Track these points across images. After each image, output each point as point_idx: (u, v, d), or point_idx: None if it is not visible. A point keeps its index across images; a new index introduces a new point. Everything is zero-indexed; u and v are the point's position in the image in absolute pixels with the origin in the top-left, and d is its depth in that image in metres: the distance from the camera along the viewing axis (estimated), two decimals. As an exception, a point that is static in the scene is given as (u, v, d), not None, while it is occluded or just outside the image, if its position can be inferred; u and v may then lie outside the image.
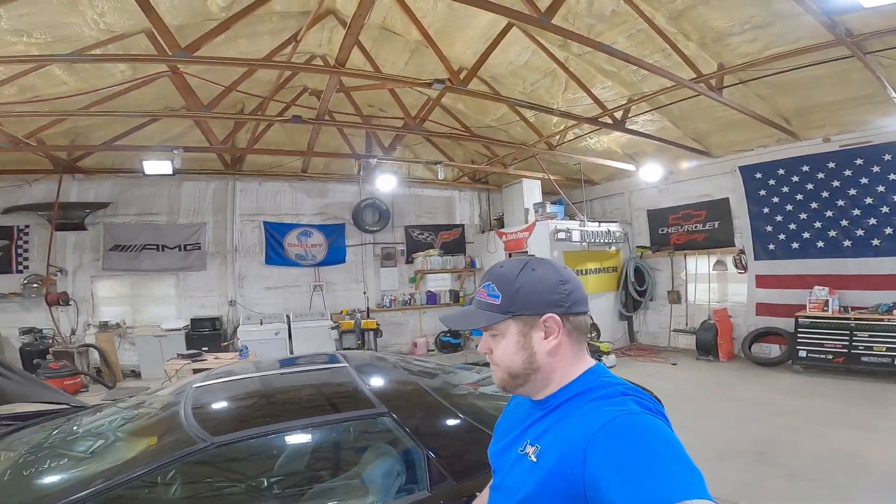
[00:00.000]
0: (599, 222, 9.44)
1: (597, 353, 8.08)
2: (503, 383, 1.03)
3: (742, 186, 7.91)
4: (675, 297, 9.24)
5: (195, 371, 5.18)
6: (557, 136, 7.69)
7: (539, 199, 9.50)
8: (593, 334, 8.46)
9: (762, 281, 7.84)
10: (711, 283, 8.80)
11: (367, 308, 9.76)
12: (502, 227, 9.97)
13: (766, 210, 7.65)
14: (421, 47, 5.30)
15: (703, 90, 5.32)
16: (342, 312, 9.43)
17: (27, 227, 7.93)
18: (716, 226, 8.57)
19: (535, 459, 0.92)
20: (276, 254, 9.32)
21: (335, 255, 9.78)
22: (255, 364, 3.76)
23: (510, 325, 0.99)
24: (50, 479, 1.98)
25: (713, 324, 8.05)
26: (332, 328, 8.69)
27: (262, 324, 8.44)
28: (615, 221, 9.82)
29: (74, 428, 2.58)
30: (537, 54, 5.88)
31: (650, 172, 8.36)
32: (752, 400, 5.74)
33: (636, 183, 9.47)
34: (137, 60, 4.75)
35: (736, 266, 8.22)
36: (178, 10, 4.93)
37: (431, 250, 10.32)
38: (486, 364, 1.65)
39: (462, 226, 11.04)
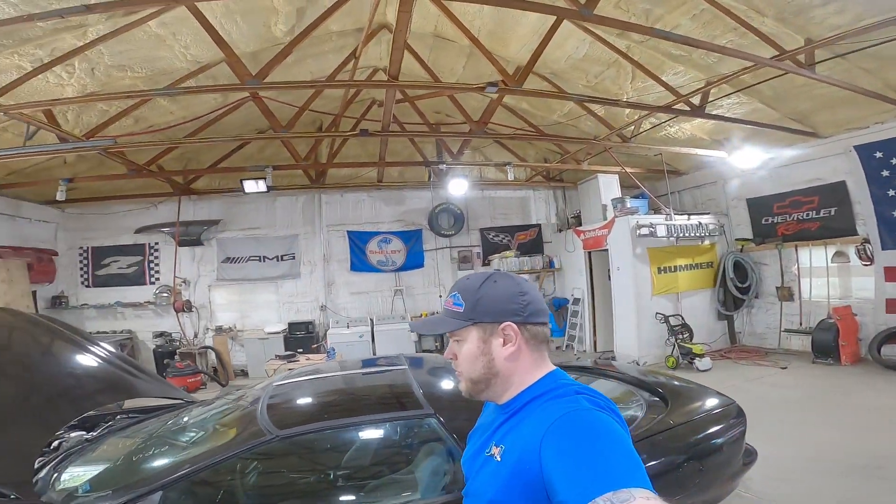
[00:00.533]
0: (689, 215, 8.69)
1: (689, 355, 7.48)
2: (467, 389, 1.09)
3: (860, 168, 6.85)
4: (786, 293, 8.23)
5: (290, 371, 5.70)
6: (632, 127, 7.26)
7: (617, 193, 9.00)
8: (686, 335, 7.83)
9: (893, 274, 6.73)
10: (830, 278, 7.69)
11: (446, 310, 9.95)
12: (580, 224, 9.61)
13: (892, 193, 6.56)
14: (476, 50, 5.34)
15: (791, 67, 4.73)
16: (422, 315, 9.74)
17: (157, 244, 9.32)
18: (832, 213, 7.50)
19: (499, 459, 0.97)
20: (359, 261, 9.91)
21: (414, 260, 10.14)
22: (341, 364, 4.11)
23: (472, 332, 1.05)
24: (150, 464, 2.37)
25: (833, 323, 7.05)
26: (412, 331, 8.99)
27: (348, 327, 9.02)
28: (708, 213, 9.00)
29: (184, 419, 3.01)
30: (595, 46, 5.61)
31: (746, 158, 7.52)
32: (878, 408, 4.97)
33: (731, 170, 8.57)
34: (216, 90, 5.31)
35: (860, 257, 7.12)
36: (249, 39, 5.41)
37: (508, 252, 10.24)
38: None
39: (538, 225, 10.83)
